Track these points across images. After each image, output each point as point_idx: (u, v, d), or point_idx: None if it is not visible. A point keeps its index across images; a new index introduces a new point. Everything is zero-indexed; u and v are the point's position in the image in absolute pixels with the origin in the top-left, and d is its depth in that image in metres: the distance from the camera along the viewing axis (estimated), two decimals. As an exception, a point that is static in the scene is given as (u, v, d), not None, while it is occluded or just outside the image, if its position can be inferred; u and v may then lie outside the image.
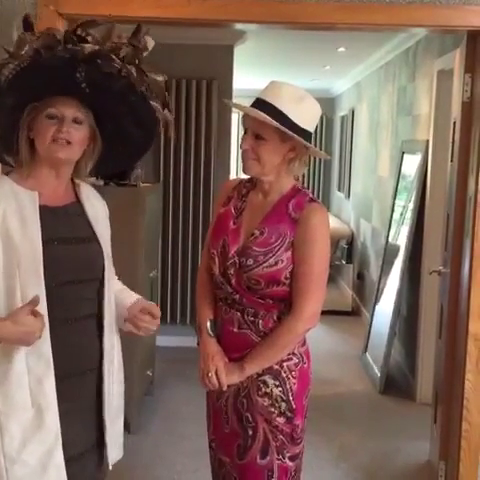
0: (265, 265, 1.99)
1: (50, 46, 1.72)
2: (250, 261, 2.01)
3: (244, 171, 2.08)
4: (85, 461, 1.86)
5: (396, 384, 4.74)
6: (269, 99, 1.99)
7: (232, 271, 2.04)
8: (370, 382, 4.79)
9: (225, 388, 2.06)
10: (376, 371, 4.75)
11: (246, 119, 2.04)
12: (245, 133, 2.05)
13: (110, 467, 1.93)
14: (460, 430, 2.96)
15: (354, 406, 4.45)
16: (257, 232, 2.04)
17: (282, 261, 2.00)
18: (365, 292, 6.54)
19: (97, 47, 1.73)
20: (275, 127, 1.96)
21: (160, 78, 1.83)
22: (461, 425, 2.96)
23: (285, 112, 1.96)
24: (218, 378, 2.05)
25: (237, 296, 2.05)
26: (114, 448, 1.93)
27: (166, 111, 1.87)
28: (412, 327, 4.65)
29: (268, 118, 1.95)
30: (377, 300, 5.22)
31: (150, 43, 1.81)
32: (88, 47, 1.72)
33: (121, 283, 2.06)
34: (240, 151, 2.06)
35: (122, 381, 2.00)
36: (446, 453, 3.14)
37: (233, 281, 2.04)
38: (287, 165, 2.05)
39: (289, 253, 2.00)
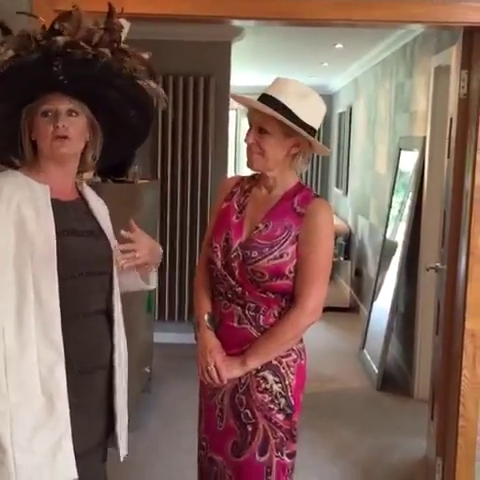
0: (270, 257, 2.01)
1: (24, 46, 1.73)
2: (254, 253, 2.02)
3: (248, 165, 2.09)
4: (91, 458, 1.87)
5: (393, 380, 4.75)
6: (274, 94, 2.00)
7: (236, 264, 2.04)
8: (367, 378, 4.80)
9: (225, 382, 2.04)
10: (373, 367, 4.75)
11: (251, 114, 2.05)
12: (250, 128, 2.06)
13: (122, 459, 1.96)
14: (457, 426, 2.96)
15: (351, 402, 4.46)
16: (261, 226, 2.06)
17: (287, 254, 2.01)
18: (363, 288, 6.54)
19: (68, 38, 1.73)
20: (279, 121, 1.97)
21: (146, 55, 1.84)
22: (458, 421, 2.96)
23: (290, 107, 1.98)
24: (218, 372, 2.04)
25: (239, 289, 2.05)
26: (121, 445, 1.95)
27: (154, 84, 1.86)
28: (409, 323, 4.66)
29: (272, 111, 1.97)
30: (375, 296, 5.23)
31: (125, 24, 1.82)
32: (60, 39, 1.72)
33: None
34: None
35: (126, 378, 2.00)
36: (443, 449, 3.15)
37: (236, 273, 2.04)
38: (291, 161, 2.07)
39: (294, 247, 2.02)
